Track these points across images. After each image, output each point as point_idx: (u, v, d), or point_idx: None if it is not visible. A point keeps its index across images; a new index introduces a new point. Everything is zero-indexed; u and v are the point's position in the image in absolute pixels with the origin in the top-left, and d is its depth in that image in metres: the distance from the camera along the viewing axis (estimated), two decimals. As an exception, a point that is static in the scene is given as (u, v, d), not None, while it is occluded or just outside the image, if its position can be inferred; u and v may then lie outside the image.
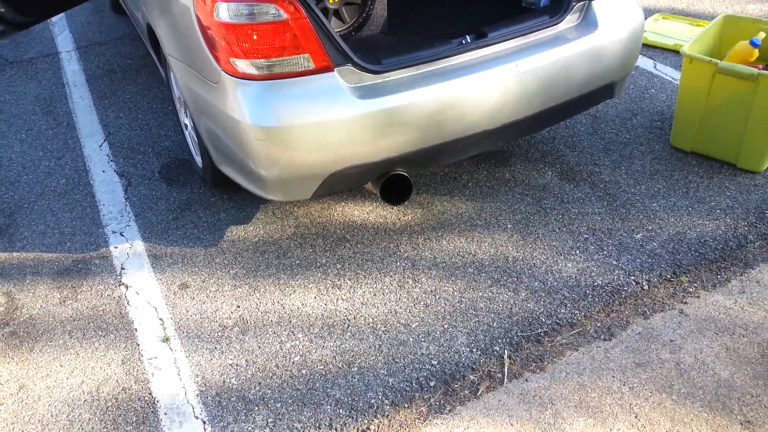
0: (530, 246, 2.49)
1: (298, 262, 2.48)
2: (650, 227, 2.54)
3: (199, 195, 2.86)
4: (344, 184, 2.23)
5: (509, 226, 2.60)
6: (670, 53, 3.81)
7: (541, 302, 2.25)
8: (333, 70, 2.06)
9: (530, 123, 2.37)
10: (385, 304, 2.28)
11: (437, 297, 2.29)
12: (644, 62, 3.75)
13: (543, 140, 3.10)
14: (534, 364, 2.03)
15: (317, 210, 2.73)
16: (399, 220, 2.65)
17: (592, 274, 2.35)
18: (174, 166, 3.06)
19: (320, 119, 2.03)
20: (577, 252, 2.45)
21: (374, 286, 2.35)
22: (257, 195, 2.30)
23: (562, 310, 2.21)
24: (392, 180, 2.26)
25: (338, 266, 2.45)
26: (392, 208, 2.71)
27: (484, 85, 2.16)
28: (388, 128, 2.09)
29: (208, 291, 2.37)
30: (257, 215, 2.72)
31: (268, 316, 2.25)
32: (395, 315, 2.23)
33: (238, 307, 2.30)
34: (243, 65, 2.03)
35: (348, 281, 2.38)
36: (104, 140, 3.30)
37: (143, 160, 3.12)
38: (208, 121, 2.30)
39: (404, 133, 2.11)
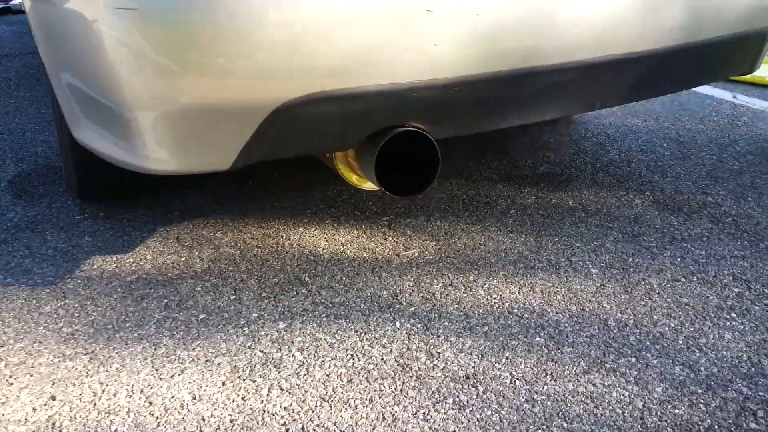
0: (642, 303, 1.34)
1: (203, 316, 1.29)
2: None
3: (57, 212, 1.69)
4: (301, 140, 1.09)
5: (593, 270, 1.46)
6: (748, 86, 2.92)
7: (701, 404, 1.07)
8: None
9: (647, 68, 1.32)
10: (374, 408, 1.08)
11: (484, 393, 1.10)
12: (720, 93, 2.83)
13: (612, 162, 2.05)
14: None
15: (258, 233, 1.57)
16: (398, 255, 1.51)
17: (786, 352, 1.19)
18: (35, 176, 1.92)
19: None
20: (733, 314, 1.31)
21: (349, 365, 1.16)
22: (134, 167, 1.15)
23: (752, 425, 1.03)
24: (400, 143, 1.15)
25: (281, 326, 1.26)
26: (385, 233, 1.57)
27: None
28: (403, 24, 1.01)
29: (9, 366, 1.15)
30: (149, 241, 1.55)
31: (113, 425, 1.03)
32: None
33: (52, 398, 1.07)
34: None
35: (297, 355, 1.18)
36: (-51, 147, 2.17)
37: (-9, 166, 1.98)
38: (49, 23, 1.21)
39: (432, 36, 1.02)
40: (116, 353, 1.18)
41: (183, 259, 1.48)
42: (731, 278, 1.44)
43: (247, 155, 1.05)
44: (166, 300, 1.33)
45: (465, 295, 1.36)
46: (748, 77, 2.95)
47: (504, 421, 1.04)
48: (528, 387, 1.11)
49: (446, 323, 1.27)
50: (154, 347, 1.20)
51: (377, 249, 1.53)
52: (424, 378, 1.13)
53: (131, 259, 1.48)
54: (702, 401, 1.08)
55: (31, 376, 1.13)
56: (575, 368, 1.16)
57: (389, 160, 1.16)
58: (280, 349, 1.20)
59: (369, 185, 1.33)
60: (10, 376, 1.13)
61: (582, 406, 1.07)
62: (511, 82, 1.13)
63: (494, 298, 1.35)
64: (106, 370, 1.14)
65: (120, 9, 0.96)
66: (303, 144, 1.06)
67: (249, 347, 1.20)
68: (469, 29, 1.05)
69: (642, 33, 1.26)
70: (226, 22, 0.93)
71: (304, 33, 0.95)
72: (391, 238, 1.57)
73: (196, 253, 1.50)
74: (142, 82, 1.00)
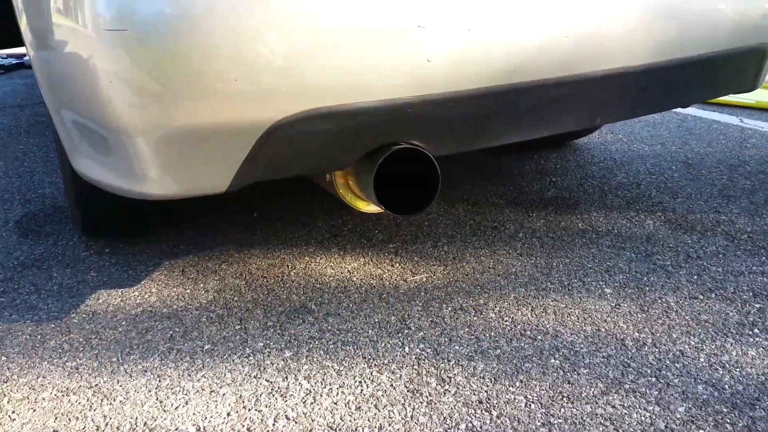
0: (660, 322, 1.30)
1: (208, 347, 1.26)
2: None
3: (62, 249, 1.69)
4: (297, 159, 1.08)
5: (607, 290, 1.43)
6: (754, 111, 2.91)
7: (728, 424, 1.02)
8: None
9: (646, 82, 1.31)
10: None
11: (498, 417, 1.06)
12: (726, 118, 2.82)
13: (620, 185, 2.03)
14: None
15: (263, 264, 1.55)
16: (405, 281, 1.48)
17: (814, 367, 1.14)
18: (42, 215, 1.92)
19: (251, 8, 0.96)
20: (756, 330, 1.27)
21: (358, 392, 1.12)
22: (132, 194, 1.14)
23: (786, 444, 0.98)
24: (399, 162, 1.14)
25: (287, 354, 1.23)
26: (392, 260, 1.54)
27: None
28: (395, 40, 1.01)
29: (12, 401, 1.12)
30: (154, 274, 1.54)
31: (115, 456, 0.99)
32: (405, 454, 0.98)
33: (54, 433, 1.04)
34: None
35: (303, 384, 1.15)
36: (-40, 191, 2.19)
37: (1, 207, 1.99)
38: (49, 65, 1.23)
39: (424, 51, 1.03)
40: (120, 386, 1.15)
41: (188, 290, 1.46)
42: (751, 294, 1.39)
43: (243, 176, 1.04)
44: (170, 332, 1.31)
45: (475, 318, 1.32)
46: (753, 102, 2.94)
47: (520, 445, 0.99)
48: (544, 410, 1.07)
49: (457, 347, 1.23)
50: (158, 379, 1.17)
51: (384, 275, 1.50)
52: (435, 403, 1.09)
53: (136, 293, 1.46)
54: (728, 421, 1.03)
55: (34, 411, 1.10)
56: (593, 390, 1.11)
57: (389, 180, 1.15)
58: (286, 377, 1.16)
59: (371, 207, 1.32)
60: (13, 412, 1.10)
61: (601, 429, 1.02)
62: (506, 97, 1.12)
63: (506, 321, 1.31)
64: (110, 403, 1.11)
65: (109, 30, 0.97)
66: (299, 164, 1.05)
67: (254, 377, 1.17)
68: (460, 44, 1.05)
69: (638, 47, 1.26)
70: (215, 43, 0.93)
71: (295, 52, 0.95)
72: (398, 264, 1.55)
73: (201, 285, 1.49)
74: (135, 107, 1.00)
